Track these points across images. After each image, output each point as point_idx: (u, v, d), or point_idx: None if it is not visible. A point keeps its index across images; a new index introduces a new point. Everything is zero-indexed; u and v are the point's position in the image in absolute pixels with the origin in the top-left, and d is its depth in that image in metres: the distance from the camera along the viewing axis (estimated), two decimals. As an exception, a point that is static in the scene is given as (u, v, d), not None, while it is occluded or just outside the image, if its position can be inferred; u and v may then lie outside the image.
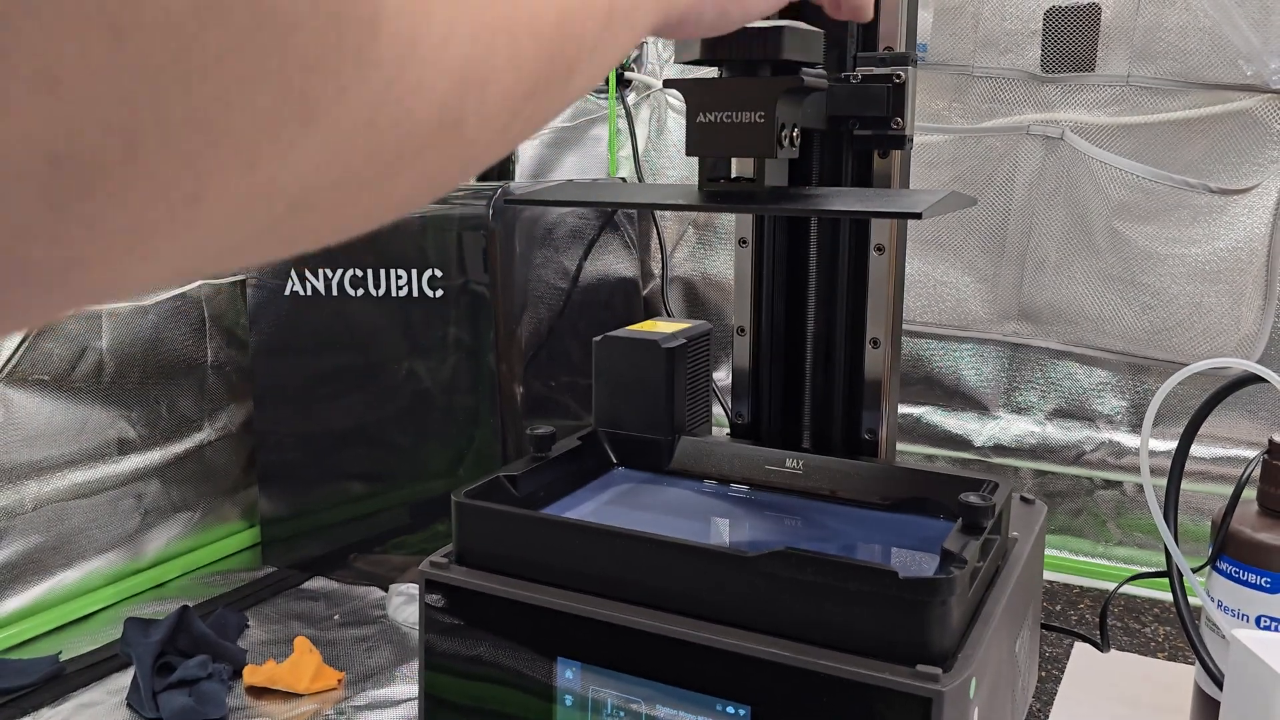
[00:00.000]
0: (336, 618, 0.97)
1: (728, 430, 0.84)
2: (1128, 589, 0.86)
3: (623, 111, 1.26)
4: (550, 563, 0.62)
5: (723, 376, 1.20)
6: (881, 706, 0.52)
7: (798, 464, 0.76)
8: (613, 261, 1.16)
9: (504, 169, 1.35)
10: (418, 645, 0.65)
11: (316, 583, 1.05)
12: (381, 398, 1.01)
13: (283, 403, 1.07)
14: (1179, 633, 0.93)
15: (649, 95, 1.28)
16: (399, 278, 0.98)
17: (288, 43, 0.16)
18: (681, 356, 0.79)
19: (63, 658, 0.87)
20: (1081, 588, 1.04)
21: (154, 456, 1.05)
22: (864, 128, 0.72)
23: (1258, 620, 0.67)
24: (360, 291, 1.00)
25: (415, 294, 0.98)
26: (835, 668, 0.53)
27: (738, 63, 0.61)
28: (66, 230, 0.16)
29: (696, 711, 0.57)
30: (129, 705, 0.81)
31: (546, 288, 1.04)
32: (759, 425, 0.81)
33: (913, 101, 0.71)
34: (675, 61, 0.70)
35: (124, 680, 0.84)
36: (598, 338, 0.80)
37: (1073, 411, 1.11)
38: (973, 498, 0.60)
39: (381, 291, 0.99)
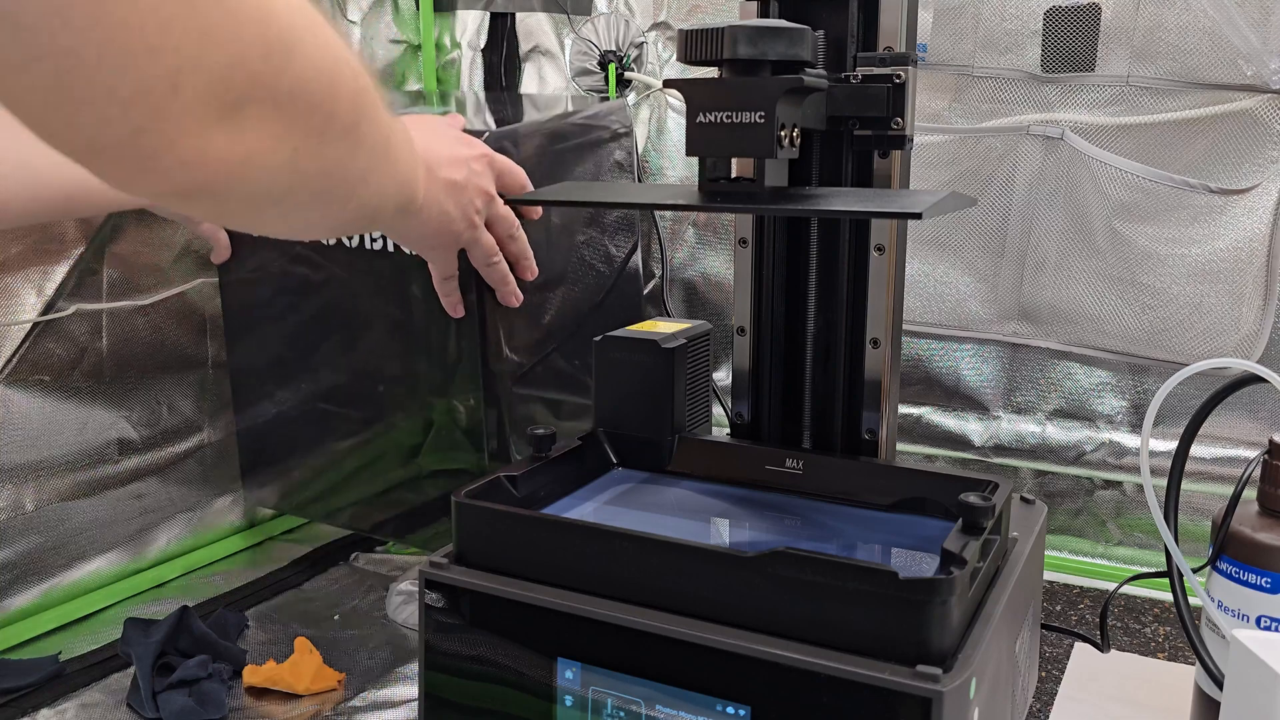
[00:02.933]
0: (336, 618, 0.97)
1: (728, 430, 0.84)
2: (1128, 589, 0.86)
3: (623, 111, 1.26)
4: (550, 563, 0.62)
5: (723, 376, 1.20)
6: (881, 706, 0.52)
7: (798, 464, 0.76)
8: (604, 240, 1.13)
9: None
10: (418, 645, 0.65)
11: (316, 583, 1.05)
12: (362, 367, 1.01)
13: (261, 382, 1.07)
14: (1179, 633, 0.93)
15: (649, 95, 1.28)
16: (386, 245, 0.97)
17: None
18: (681, 356, 0.79)
19: (63, 658, 0.87)
20: (1081, 588, 1.04)
21: (154, 456, 1.05)
22: (864, 128, 0.71)
23: (1258, 620, 0.67)
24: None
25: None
26: (835, 668, 0.53)
27: (738, 63, 0.61)
28: None
29: (696, 711, 0.57)
30: (129, 705, 0.81)
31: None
32: (759, 425, 0.81)
33: (913, 101, 0.71)
34: (676, 61, 0.70)
35: (124, 680, 0.84)
36: (598, 338, 0.80)
37: (1073, 411, 1.11)
38: (973, 498, 0.60)
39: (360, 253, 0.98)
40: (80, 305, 0.96)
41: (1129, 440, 1.09)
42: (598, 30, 1.27)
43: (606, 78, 1.27)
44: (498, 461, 1.00)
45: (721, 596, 0.57)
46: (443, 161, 0.71)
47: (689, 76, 0.63)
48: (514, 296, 0.85)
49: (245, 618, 0.95)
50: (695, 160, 0.66)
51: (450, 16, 1.33)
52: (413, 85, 1.34)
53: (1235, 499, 0.70)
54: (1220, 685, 0.68)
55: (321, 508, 1.10)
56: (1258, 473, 0.70)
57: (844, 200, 0.64)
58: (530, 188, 0.83)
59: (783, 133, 0.62)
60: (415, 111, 1.04)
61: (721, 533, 0.72)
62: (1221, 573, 0.69)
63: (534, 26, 1.31)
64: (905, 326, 1.10)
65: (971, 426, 1.15)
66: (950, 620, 0.53)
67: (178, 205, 0.51)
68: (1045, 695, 0.82)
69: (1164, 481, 0.73)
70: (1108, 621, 0.84)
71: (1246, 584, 0.68)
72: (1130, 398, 1.09)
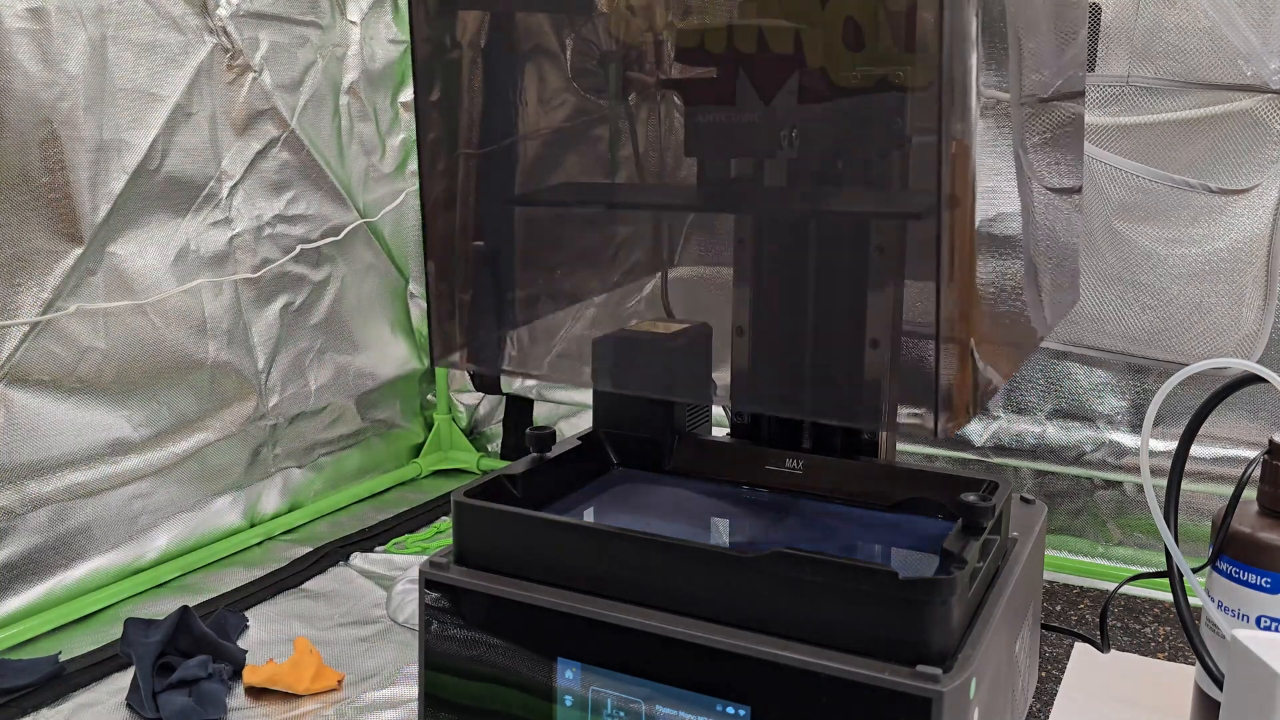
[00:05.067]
0: (336, 618, 0.97)
1: (728, 430, 0.84)
2: (1128, 589, 0.86)
3: (623, 111, 1.26)
4: (550, 563, 0.62)
5: (723, 376, 1.20)
6: (881, 707, 0.52)
7: (798, 464, 0.76)
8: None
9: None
10: (418, 645, 0.65)
11: (316, 583, 1.05)
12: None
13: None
14: (1179, 633, 0.93)
15: (649, 95, 1.28)
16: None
17: None
18: (681, 356, 0.79)
19: (63, 658, 0.87)
20: (1081, 588, 1.04)
21: (154, 456, 1.05)
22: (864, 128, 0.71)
23: (1258, 620, 0.67)
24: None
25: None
26: (835, 668, 0.53)
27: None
28: None
29: (696, 711, 0.57)
30: (129, 705, 0.81)
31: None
32: (759, 425, 0.81)
33: (913, 101, 0.71)
34: (675, 61, 0.70)
35: (124, 680, 0.84)
36: (597, 337, 0.80)
37: (1073, 411, 1.11)
38: (973, 498, 0.60)
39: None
40: (80, 305, 0.96)
41: (1129, 440, 1.09)
42: (598, 30, 1.27)
43: (607, 78, 1.27)
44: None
45: (721, 596, 0.57)
46: None
47: (689, 76, 0.63)
48: None
49: (245, 618, 0.95)
50: (695, 160, 0.66)
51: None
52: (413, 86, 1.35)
53: (1235, 499, 0.70)
54: (1220, 685, 0.68)
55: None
56: (1258, 473, 0.70)
57: (844, 200, 0.64)
58: None
59: (783, 133, 0.62)
60: None
61: (721, 533, 0.72)
62: (1221, 573, 0.69)
63: (534, 26, 1.31)
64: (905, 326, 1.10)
65: (971, 426, 1.15)
66: (950, 620, 0.53)
67: None
68: (1045, 695, 0.82)
69: (1164, 481, 0.73)
70: (1108, 621, 0.84)
71: (1246, 584, 0.68)
72: (1130, 398, 1.09)
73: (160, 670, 0.83)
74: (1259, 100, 0.97)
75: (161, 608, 0.93)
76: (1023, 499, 0.77)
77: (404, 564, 1.07)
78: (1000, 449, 1.14)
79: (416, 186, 1.37)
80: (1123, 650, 0.90)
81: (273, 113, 1.14)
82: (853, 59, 0.72)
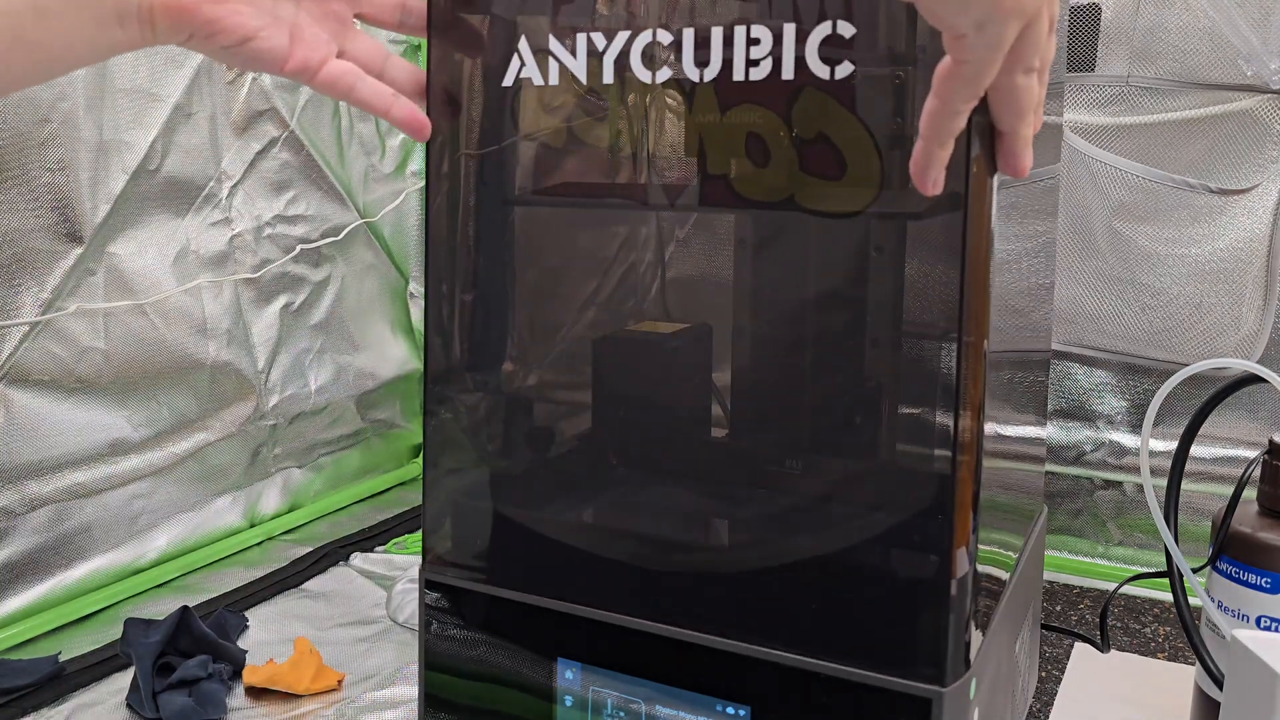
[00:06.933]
0: (336, 618, 0.97)
1: (727, 430, 0.84)
2: (1128, 589, 0.86)
3: (623, 112, 1.26)
4: (549, 564, 0.62)
5: (723, 377, 1.20)
6: (881, 707, 0.52)
7: (797, 464, 0.76)
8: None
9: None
10: (418, 645, 0.65)
11: (316, 583, 1.05)
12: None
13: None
14: (1179, 633, 0.93)
15: (648, 95, 1.28)
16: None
17: None
18: (681, 356, 0.79)
19: (63, 658, 0.87)
20: (1081, 588, 1.04)
21: (154, 456, 1.05)
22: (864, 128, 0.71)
23: (1258, 620, 0.67)
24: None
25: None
26: (835, 668, 0.53)
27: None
28: None
29: (696, 711, 0.57)
30: (129, 705, 0.81)
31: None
32: (759, 425, 0.81)
33: (913, 101, 0.71)
34: (676, 61, 0.70)
35: (124, 680, 0.84)
36: (597, 337, 0.80)
37: (1073, 411, 1.11)
38: (973, 498, 0.60)
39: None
40: (80, 305, 0.96)
41: (1129, 440, 1.09)
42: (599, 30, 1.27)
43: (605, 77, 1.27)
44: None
45: (721, 598, 0.57)
46: None
47: (687, 76, 0.63)
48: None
49: (245, 618, 0.95)
50: (694, 160, 0.66)
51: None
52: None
53: (1235, 499, 0.70)
54: (1220, 685, 0.68)
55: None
56: (1258, 473, 0.70)
57: (843, 200, 0.64)
58: None
59: (782, 132, 0.62)
60: None
61: (721, 534, 0.72)
62: (1221, 573, 0.69)
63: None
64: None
65: (971, 426, 1.15)
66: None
67: None
68: (1045, 695, 0.82)
69: (1164, 481, 0.73)
70: (1108, 621, 0.84)
71: (1246, 584, 0.68)
72: (1130, 398, 1.09)
73: (160, 670, 0.83)
74: (1259, 100, 0.97)
75: (161, 608, 0.93)
76: (1023, 499, 0.77)
77: (404, 564, 1.07)
78: (1000, 449, 1.14)
79: (416, 188, 1.37)
80: (1123, 650, 0.90)
81: (272, 113, 1.14)
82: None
